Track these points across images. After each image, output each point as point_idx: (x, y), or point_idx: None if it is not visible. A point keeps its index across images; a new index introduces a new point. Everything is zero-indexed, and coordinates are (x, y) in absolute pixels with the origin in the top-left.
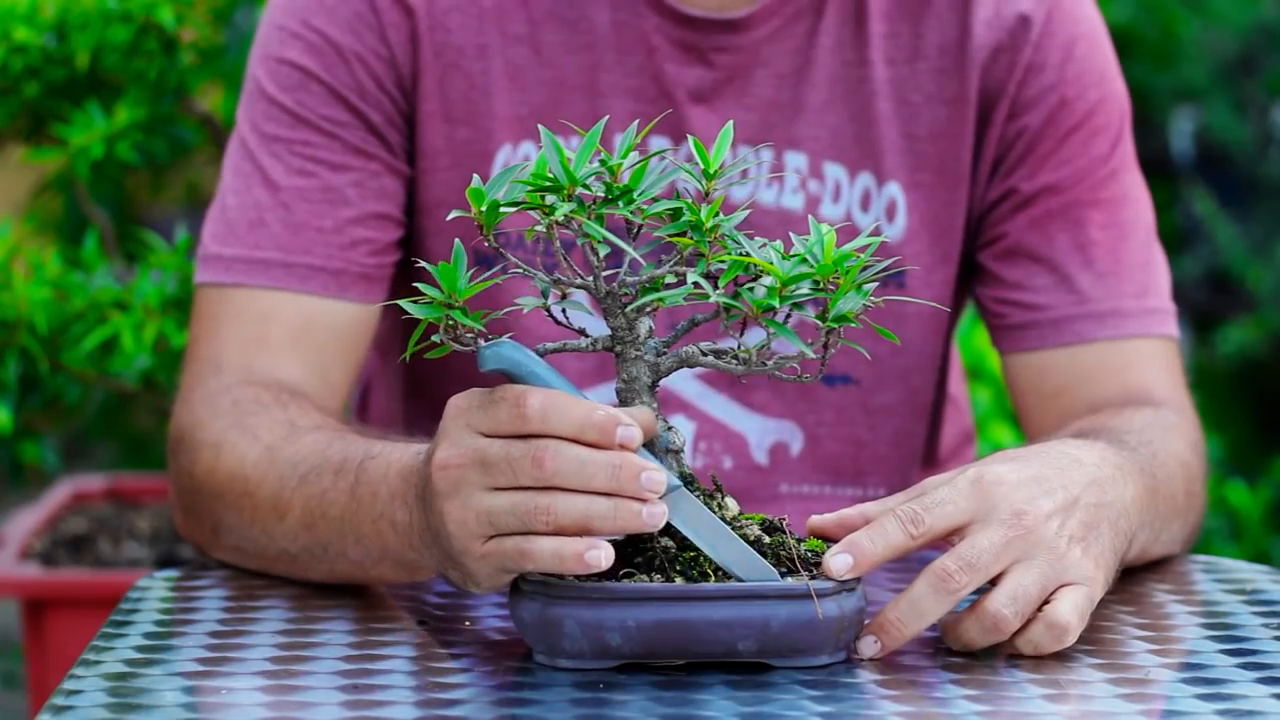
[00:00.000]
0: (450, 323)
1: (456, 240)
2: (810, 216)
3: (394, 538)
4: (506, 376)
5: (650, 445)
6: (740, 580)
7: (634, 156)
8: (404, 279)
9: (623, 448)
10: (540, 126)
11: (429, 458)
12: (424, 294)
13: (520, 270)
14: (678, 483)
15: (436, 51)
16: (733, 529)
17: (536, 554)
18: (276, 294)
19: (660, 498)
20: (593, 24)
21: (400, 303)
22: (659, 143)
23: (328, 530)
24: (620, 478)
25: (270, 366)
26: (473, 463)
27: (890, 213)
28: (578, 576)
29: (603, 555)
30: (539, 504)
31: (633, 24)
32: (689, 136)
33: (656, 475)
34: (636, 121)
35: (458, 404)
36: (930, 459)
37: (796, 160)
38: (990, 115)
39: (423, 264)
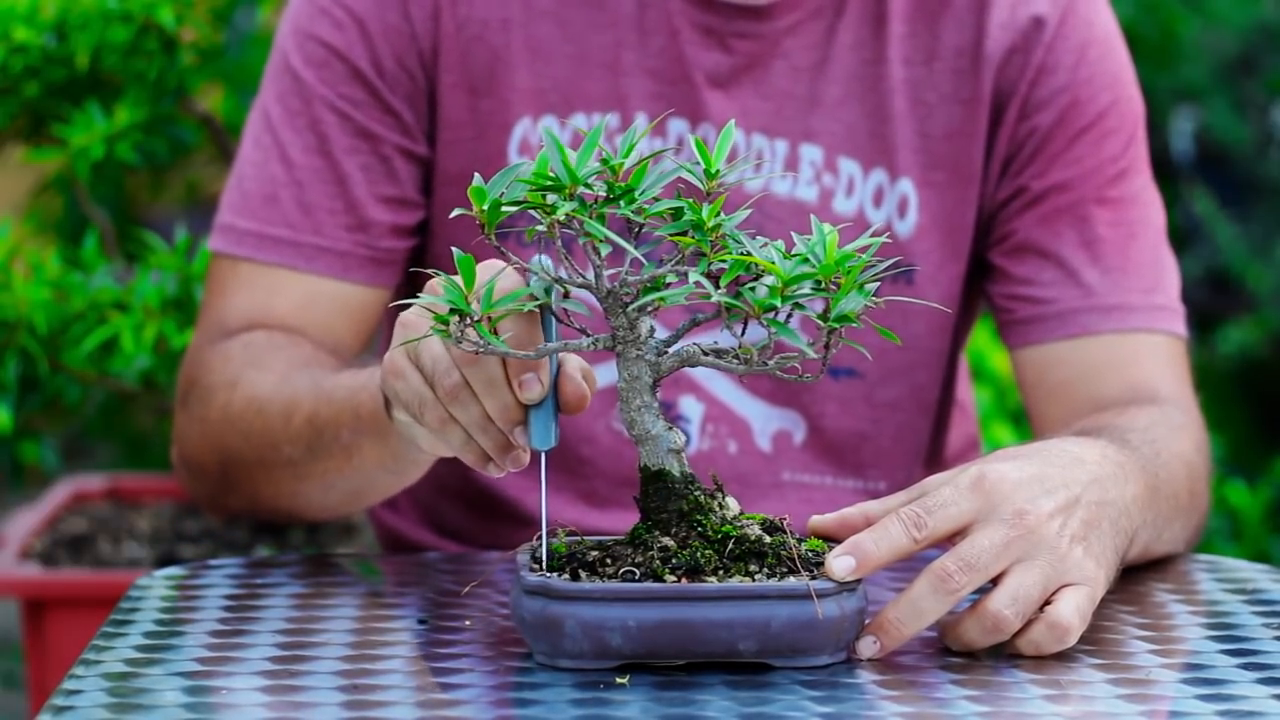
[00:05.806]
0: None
1: (470, 257)
2: (813, 216)
3: (370, 403)
4: None
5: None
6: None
7: (640, 150)
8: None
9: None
10: (543, 127)
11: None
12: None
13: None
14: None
15: (459, 25)
16: (733, 528)
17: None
18: (284, 271)
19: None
20: (618, 3)
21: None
22: (676, 125)
23: (330, 412)
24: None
25: (278, 324)
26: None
27: (902, 209)
28: (575, 576)
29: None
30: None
31: (657, 5)
32: (692, 137)
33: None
34: (640, 119)
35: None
36: (935, 462)
37: (812, 153)
38: (1002, 115)
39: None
